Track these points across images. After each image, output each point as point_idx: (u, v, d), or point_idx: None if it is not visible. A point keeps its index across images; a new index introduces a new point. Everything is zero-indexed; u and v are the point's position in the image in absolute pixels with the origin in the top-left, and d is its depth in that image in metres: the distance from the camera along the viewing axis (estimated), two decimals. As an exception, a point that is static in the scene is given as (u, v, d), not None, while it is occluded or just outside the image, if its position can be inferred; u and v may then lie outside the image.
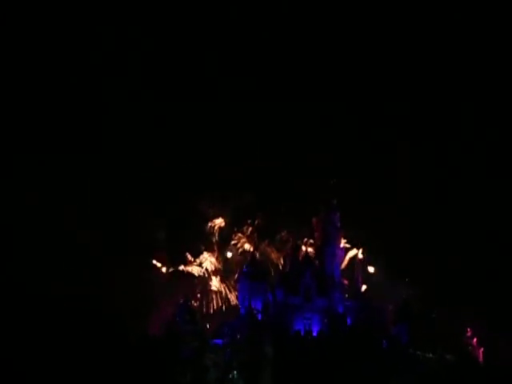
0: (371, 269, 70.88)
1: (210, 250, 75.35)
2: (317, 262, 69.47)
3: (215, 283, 73.29)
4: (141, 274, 71.46)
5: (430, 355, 59.21)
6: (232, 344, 60.28)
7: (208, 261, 74.00)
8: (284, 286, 67.14)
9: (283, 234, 75.29)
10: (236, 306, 69.54)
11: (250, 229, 75.34)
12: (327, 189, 72.73)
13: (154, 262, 73.25)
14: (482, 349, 62.26)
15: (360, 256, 70.81)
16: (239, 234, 75.55)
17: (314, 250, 71.31)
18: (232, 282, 72.95)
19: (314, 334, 62.67)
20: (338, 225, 71.58)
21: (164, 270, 73.11)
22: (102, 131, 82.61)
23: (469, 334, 62.94)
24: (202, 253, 74.50)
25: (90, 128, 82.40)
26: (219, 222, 76.09)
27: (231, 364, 57.96)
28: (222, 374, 57.37)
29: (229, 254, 75.06)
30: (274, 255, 74.30)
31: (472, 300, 66.59)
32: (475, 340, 62.51)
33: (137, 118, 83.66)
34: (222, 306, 71.96)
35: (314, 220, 72.12)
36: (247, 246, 74.64)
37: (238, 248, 75.24)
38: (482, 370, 59.78)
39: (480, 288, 68.81)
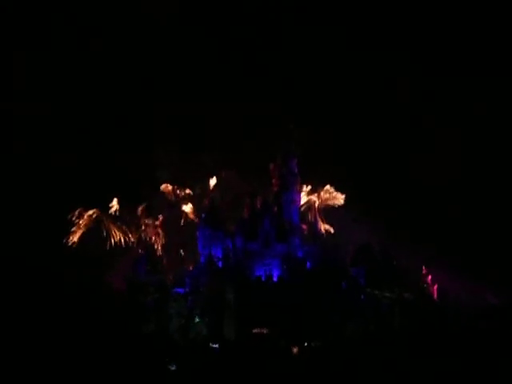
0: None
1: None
2: (275, 208, 68.18)
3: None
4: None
5: (388, 294, 59.10)
6: (193, 292, 59.65)
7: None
8: (243, 232, 65.89)
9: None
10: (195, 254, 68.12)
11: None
12: (284, 134, 71.09)
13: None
14: (436, 286, 62.67)
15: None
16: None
17: (272, 196, 69.95)
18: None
19: (275, 279, 62.03)
20: (296, 170, 70.25)
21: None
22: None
23: (424, 272, 63.29)
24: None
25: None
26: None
27: (193, 312, 57.42)
28: (184, 321, 56.84)
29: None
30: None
31: (426, 239, 67.02)
32: (430, 278, 62.92)
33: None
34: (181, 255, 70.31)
35: (271, 166, 70.58)
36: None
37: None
38: (437, 306, 60.50)
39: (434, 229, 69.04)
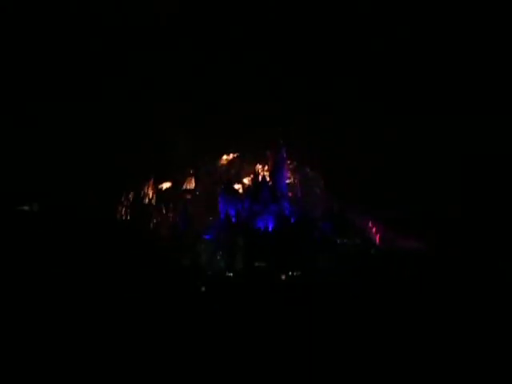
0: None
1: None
2: (271, 181, 67.96)
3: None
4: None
5: (345, 240, 58.98)
6: (216, 238, 59.55)
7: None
8: (250, 198, 65.61)
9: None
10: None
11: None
12: (276, 132, 69.98)
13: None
14: (379, 235, 62.55)
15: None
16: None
17: (269, 173, 69.79)
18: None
19: (270, 229, 61.93)
20: (285, 155, 69.81)
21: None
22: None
23: (370, 225, 63.15)
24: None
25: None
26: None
27: (216, 251, 57.47)
28: (209, 258, 57.04)
29: None
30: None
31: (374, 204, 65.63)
32: (374, 229, 62.79)
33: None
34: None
35: (268, 153, 70.56)
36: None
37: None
38: (379, 248, 60.51)
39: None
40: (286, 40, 71.10)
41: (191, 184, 72.86)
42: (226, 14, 68.98)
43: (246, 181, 72.25)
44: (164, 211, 67.70)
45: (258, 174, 70.59)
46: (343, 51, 69.92)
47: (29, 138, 62.06)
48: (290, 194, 68.85)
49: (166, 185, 71.75)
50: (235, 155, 75.94)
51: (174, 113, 71.90)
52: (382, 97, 70.22)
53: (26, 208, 52.98)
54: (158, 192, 70.45)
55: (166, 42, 69.32)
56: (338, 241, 58.76)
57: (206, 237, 60.18)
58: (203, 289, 50.67)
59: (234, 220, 63.14)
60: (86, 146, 65.91)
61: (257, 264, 55.57)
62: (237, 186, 70.40)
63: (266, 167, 72.14)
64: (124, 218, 64.44)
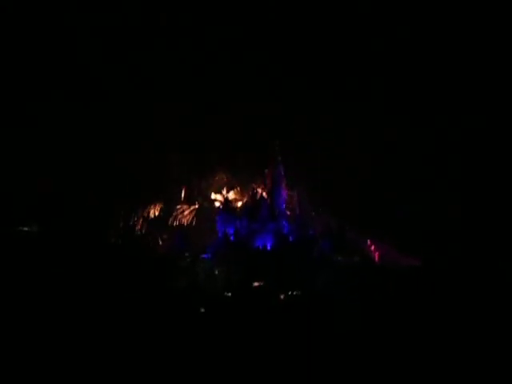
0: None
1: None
2: (269, 199, 68.63)
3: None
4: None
5: (344, 259, 59.45)
6: (214, 257, 59.59)
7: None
8: (248, 216, 65.97)
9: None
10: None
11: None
12: (273, 148, 70.61)
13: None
14: (378, 253, 63.09)
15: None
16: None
17: (267, 191, 70.55)
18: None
19: (268, 248, 62.13)
20: (282, 174, 70.57)
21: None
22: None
23: (369, 243, 63.78)
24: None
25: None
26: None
27: (214, 271, 57.34)
28: (207, 277, 56.63)
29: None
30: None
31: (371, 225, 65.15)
32: (373, 247, 63.33)
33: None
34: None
35: (266, 171, 71.31)
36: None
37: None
38: (378, 267, 60.84)
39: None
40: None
41: (187, 203, 73.22)
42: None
43: (243, 199, 72.76)
44: (159, 232, 68.10)
45: (256, 191, 71.06)
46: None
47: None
48: (288, 212, 69.15)
49: (161, 206, 72.06)
50: (230, 174, 76.08)
51: (166, 128, 70.31)
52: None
53: (25, 229, 53.68)
54: (153, 213, 70.71)
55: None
56: (337, 259, 58.89)
57: (204, 256, 59.99)
58: (202, 310, 50.95)
59: (232, 239, 63.20)
60: (78, 169, 65.65)
61: (255, 284, 55.20)
62: (234, 205, 70.83)
63: (263, 185, 72.66)
64: (118, 240, 64.56)
